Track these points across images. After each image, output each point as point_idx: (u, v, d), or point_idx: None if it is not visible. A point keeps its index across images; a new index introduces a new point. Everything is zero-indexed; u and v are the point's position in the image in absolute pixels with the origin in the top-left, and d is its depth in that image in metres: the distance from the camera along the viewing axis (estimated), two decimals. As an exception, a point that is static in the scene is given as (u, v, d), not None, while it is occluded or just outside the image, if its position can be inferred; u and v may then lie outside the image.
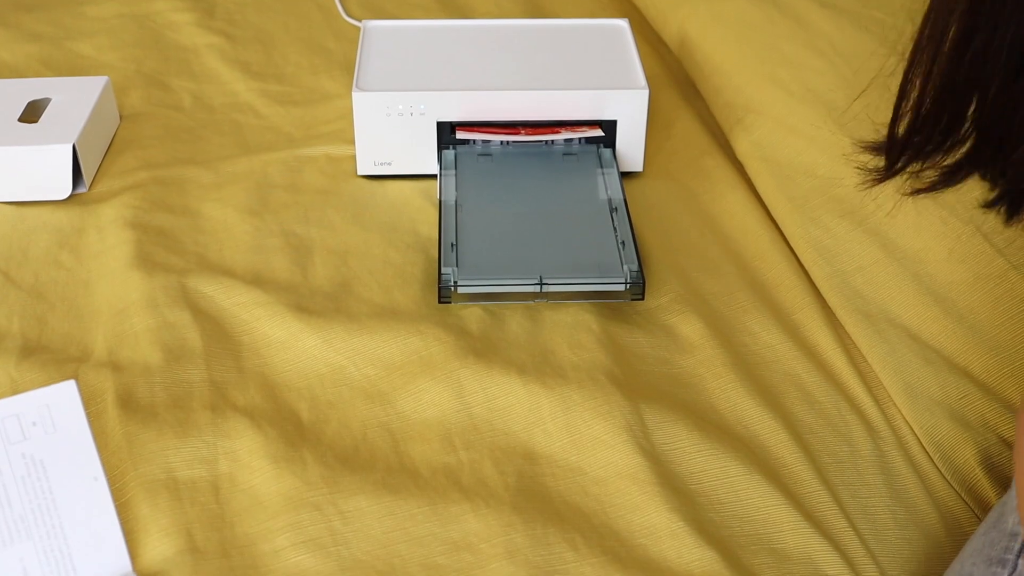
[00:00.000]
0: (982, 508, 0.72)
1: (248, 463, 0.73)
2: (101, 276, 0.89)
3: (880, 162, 0.60)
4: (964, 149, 0.56)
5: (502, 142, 0.98)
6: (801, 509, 0.71)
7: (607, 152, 0.98)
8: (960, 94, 0.54)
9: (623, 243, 0.87)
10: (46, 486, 0.65)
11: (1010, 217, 0.56)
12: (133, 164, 1.03)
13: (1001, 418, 0.74)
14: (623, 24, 1.09)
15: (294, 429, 0.76)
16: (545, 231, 0.89)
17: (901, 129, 0.57)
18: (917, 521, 0.72)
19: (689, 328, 0.84)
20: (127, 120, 1.10)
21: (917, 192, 0.59)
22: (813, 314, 0.86)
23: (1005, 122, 0.53)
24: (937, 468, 0.75)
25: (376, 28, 1.08)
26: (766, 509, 0.71)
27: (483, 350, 0.81)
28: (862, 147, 0.61)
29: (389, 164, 1.00)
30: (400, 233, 0.94)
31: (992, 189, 0.56)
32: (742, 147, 1.02)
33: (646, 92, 0.98)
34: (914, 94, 0.55)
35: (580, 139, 0.98)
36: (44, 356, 0.81)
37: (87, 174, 1.00)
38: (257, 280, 0.88)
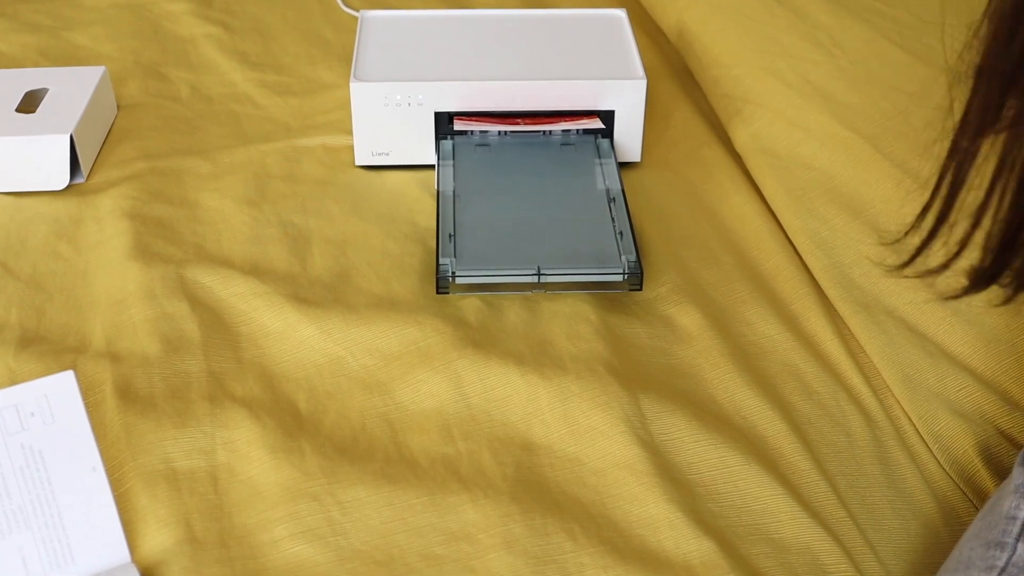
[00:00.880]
0: (980, 499, 0.72)
1: (246, 453, 0.73)
2: (99, 267, 0.89)
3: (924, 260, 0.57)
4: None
5: (500, 132, 0.98)
6: (799, 499, 0.71)
7: (605, 142, 0.98)
8: None
9: (621, 233, 0.87)
10: (44, 476, 0.65)
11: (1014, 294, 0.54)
12: (131, 154, 1.03)
13: (999, 410, 0.74)
14: (621, 14, 1.09)
15: (292, 419, 0.76)
16: (543, 221, 0.89)
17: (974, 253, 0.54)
18: (914, 510, 0.72)
19: (687, 318, 0.84)
20: (125, 110, 1.10)
21: (949, 298, 0.58)
22: (811, 304, 0.86)
23: None
24: (935, 458, 0.75)
25: (374, 18, 1.08)
26: (764, 499, 0.71)
27: (481, 341, 0.81)
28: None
29: (387, 154, 1.00)
30: (398, 223, 0.94)
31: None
32: (740, 138, 1.02)
33: (644, 82, 0.98)
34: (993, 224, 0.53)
35: (578, 130, 0.98)
36: (42, 347, 0.81)
37: (84, 164, 0.99)
38: (255, 270, 0.88)
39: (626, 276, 0.83)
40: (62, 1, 1.29)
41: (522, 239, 0.87)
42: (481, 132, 0.98)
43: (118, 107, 1.10)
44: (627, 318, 0.84)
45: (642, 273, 0.83)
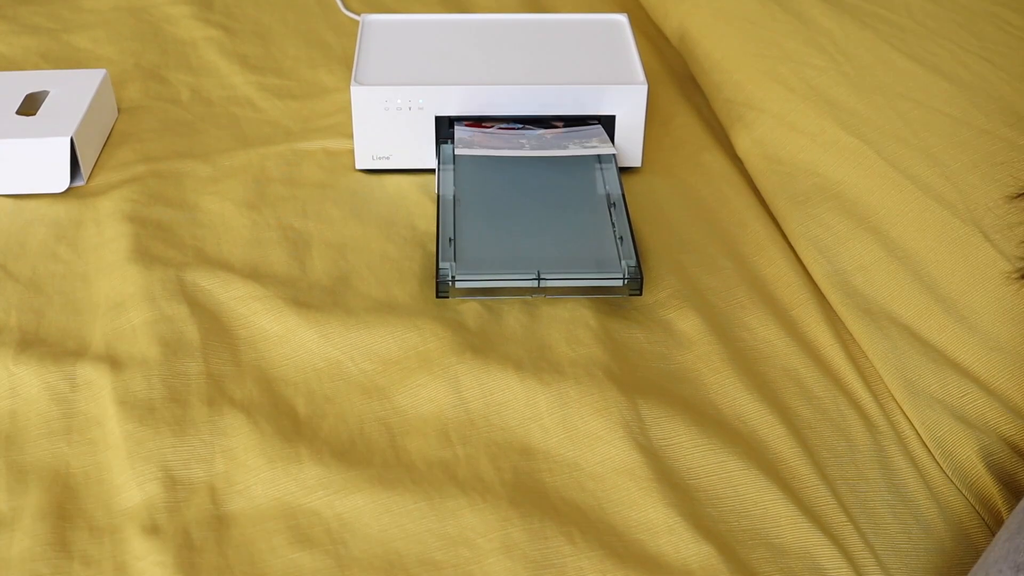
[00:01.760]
0: (984, 505, 0.72)
1: (244, 461, 0.73)
2: (99, 269, 0.89)
3: None
4: None
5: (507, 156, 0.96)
6: (799, 504, 0.71)
7: (606, 147, 0.98)
8: None
9: (621, 238, 0.87)
10: None
11: None
12: (131, 157, 1.03)
13: (1002, 416, 0.74)
14: (622, 19, 1.09)
15: (291, 424, 0.76)
16: (543, 226, 0.88)
17: None
18: (915, 515, 0.72)
19: (687, 324, 0.83)
20: (125, 113, 1.10)
21: None
22: (811, 310, 0.86)
23: None
24: (936, 463, 0.75)
25: (375, 22, 1.08)
26: (764, 504, 0.71)
27: (480, 345, 0.80)
28: None
29: (387, 158, 1.00)
30: (398, 227, 0.94)
31: None
32: (743, 144, 1.02)
33: (645, 87, 0.98)
34: None
35: (582, 144, 0.97)
36: (41, 349, 0.81)
37: (85, 167, 0.99)
38: (255, 274, 0.88)
39: (626, 281, 0.83)
40: (63, 4, 1.29)
41: (522, 244, 0.86)
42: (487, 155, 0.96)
43: (118, 110, 1.10)
44: (627, 323, 0.84)
45: (642, 278, 0.83)
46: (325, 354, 0.81)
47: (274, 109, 1.11)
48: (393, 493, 0.70)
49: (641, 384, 0.78)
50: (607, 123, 0.99)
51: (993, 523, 0.71)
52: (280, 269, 0.89)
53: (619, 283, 0.83)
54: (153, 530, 0.69)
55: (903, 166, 0.88)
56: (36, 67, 1.17)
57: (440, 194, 0.92)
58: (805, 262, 0.90)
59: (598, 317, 0.83)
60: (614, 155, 0.96)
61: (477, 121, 0.98)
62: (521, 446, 0.74)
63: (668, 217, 0.95)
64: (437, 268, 0.83)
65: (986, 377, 0.76)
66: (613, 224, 0.89)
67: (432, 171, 1.00)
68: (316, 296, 0.86)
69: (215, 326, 0.83)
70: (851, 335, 0.85)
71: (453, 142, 0.97)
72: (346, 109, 1.09)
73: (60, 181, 0.98)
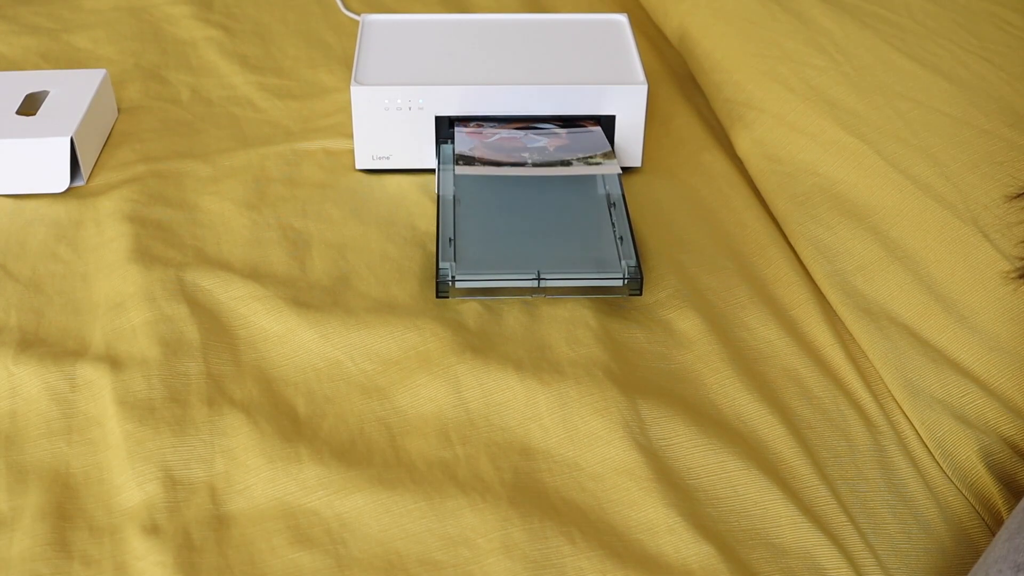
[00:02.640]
0: (984, 505, 0.72)
1: (244, 461, 0.73)
2: (99, 269, 0.89)
3: None
4: None
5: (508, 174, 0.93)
6: (799, 504, 0.71)
7: (606, 147, 0.98)
8: None
9: (621, 238, 0.87)
10: None
11: None
12: (131, 157, 1.03)
13: (1002, 416, 0.74)
14: (622, 19, 1.09)
15: (290, 424, 0.76)
16: (543, 226, 0.88)
17: None
18: (915, 515, 0.72)
19: (687, 323, 0.83)
20: (125, 113, 1.10)
21: None
22: (811, 310, 0.86)
23: None
24: (936, 463, 0.75)
25: (375, 22, 1.08)
26: (764, 504, 0.71)
27: (480, 345, 0.80)
28: None
29: (387, 158, 1.00)
30: (398, 227, 0.94)
31: None
32: (743, 144, 1.02)
33: (645, 87, 0.98)
34: None
35: (584, 156, 0.96)
36: (41, 349, 0.81)
37: (85, 167, 0.99)
38: (255, 274, 0.88)
39: (626, 281, 0.83)
40: (63, 4, 1.29)
41: (522, 244, 0.86)
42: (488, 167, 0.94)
43: (119, 110, 1.10)
44: (627, 323, 0.84)
45: (642, 278, 0.83)
46: (325, 354, 0.81)
47: (274, 109, 1.11)
48: (393, 493, 0.70)
49: (641, 384, 0.78)
50: (607, 123, 0.99)
51: (993, 523, 0.71)
52: (280, 269, 0.89)
53: (619, 283, 0.83)
54: (153, 530, 0.69)
55: (903, 166, 0.88)
56: (36, 67, 1.17)
57: (440, 194, 0.92)
58: (805, 262, 0.90)
59: (598, 317, 0.83)
60: (613, 155, 0.96)
61: (477, 123, 0.98)
62: (521, 446, 0.74)
63: (668, 217, 0.95)
64: (437, 268, 0.83)
65: (986, 377, 0.76)
66: (613, 224, 0.89)
67: (432, 171, 1.00)
68: (316, 296, 0.86)
69: (215, 326, 0.83)
70: (851, 335, 0.85)
71: (453, 143, 0.97)
72: (346, 109, 1.09)
73: (60, 181, 0.98)
